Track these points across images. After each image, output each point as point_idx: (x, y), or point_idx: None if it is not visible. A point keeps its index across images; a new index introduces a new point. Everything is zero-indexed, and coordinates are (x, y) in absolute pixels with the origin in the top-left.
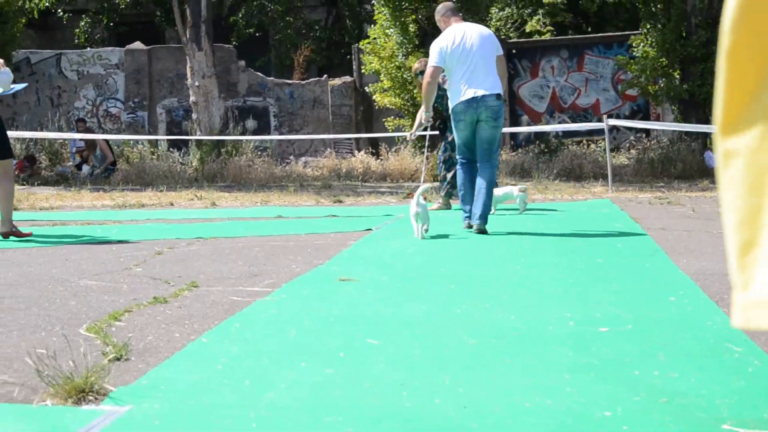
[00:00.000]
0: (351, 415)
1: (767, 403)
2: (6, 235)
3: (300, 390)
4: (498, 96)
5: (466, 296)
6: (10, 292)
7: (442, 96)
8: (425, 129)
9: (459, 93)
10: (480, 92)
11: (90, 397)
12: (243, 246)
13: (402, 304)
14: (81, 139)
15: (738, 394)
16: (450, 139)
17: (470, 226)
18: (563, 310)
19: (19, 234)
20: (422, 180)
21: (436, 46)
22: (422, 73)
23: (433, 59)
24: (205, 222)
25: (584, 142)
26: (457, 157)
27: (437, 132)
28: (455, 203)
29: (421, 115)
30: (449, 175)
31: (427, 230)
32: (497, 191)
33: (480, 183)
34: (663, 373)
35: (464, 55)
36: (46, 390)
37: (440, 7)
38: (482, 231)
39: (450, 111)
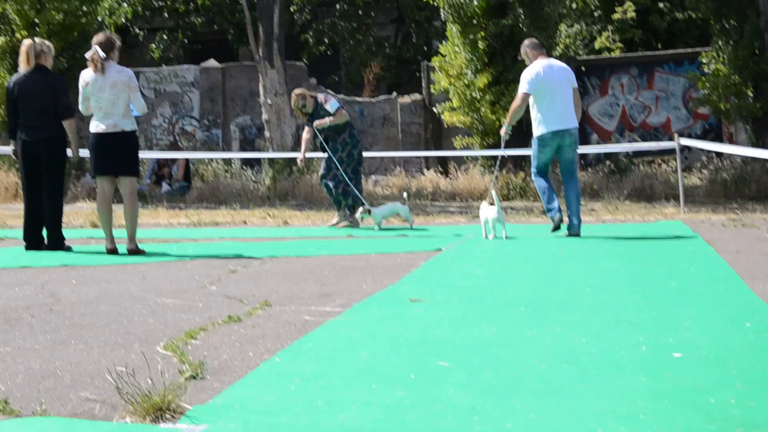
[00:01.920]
0: None
1: None
2: (131, 252)
3: (372, 412)
4: (576, 127)
5: (537, 319)
6: (92, 309)
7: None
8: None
9: (546, 123)
10: (564, 126)
11: (167, 415)
12: (314, 265)
13: (472, 326)
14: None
15: None
16: (337, 157)
17: (560, 220)
18: (636, 335)
19: (138, 251)
20: (491, 187)
21: (527, 76)
22: (304, 106)
23: (523, 87)
24: (278, 241)
25: (655, 161)
26: (535, 171)
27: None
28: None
29: (505, 130)
30: (347, 192)
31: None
32: (383, 208)
33: (571, 196)
34: (739, 401)
35: (550, 87)
36: (126, 407)
37: (527, 42)
38: (577, 234)
39: (537, 137)
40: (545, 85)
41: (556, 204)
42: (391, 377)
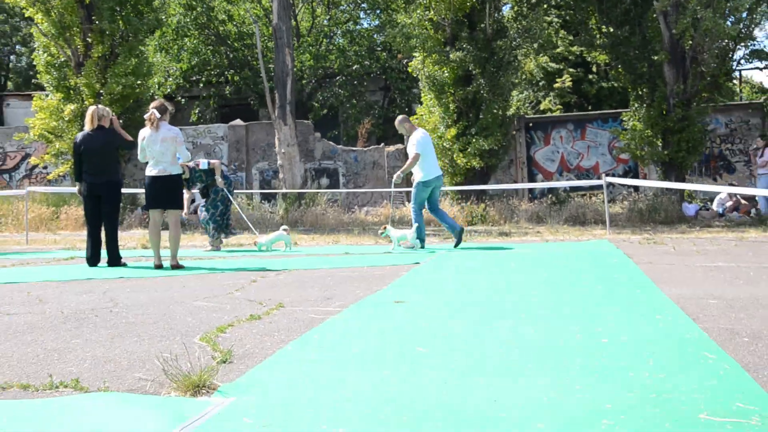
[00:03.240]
0: (404, 406)
1: (735, 397)
2: (174, 267)
3: (364, 387)
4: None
5: (495, 315)
6: (142, 311)
7: (205, 174)
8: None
9: (431, 171)
10: (440, 172)
11: (203, 391)
12: (318, 276)
13: (444, 321)
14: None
15: (712, 390)
16: (210, 201)
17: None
18: (572, 326)
19: (179, 266)
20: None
21: (415, 140)
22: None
23: (417, 148)
24: (290, 258)
25: (587, 195)
26: (415, 207)
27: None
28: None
29: (398, 175)
30: (211, 226)
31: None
32: (271, 236)
33: (442, 216)
34: (652, 375)
35: (429, 146)
36: (171, 385)
37: (403, 117)
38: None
39: (423, 181)
40: (427, 145)
41: (422, 236)
42: (379, 361)
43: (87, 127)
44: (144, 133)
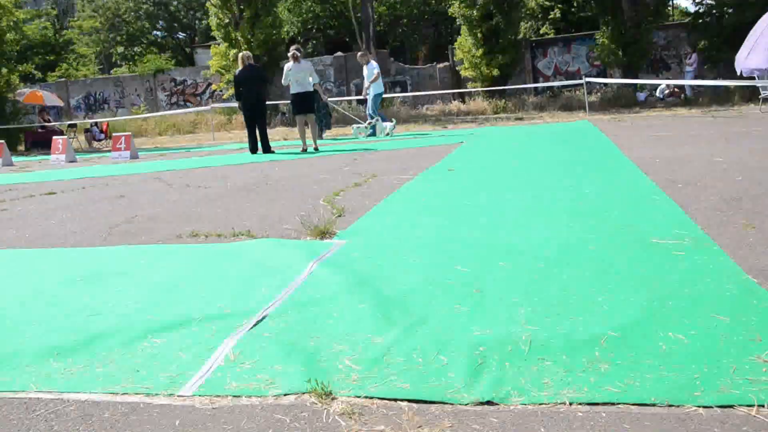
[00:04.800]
0: (457, 241)
1: (673, 226)
2: (315, 149)
3: (430, 229)
4: None
5: (513, 176)
6: (284, 183)
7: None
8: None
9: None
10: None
11: (327, 236)
12: (398, 154)
13: (479, 182)
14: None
15: (658, 222)
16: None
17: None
18: (564, 182)
19: (317, 149)
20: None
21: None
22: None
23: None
24: (378, 142)
25: (573, 90)
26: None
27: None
28: None
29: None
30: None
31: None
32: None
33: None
34: (621, 213)
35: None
36: (306, 232)
37: (360, 53)
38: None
39: (377, 93)
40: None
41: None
42: (440, 211)
43: (240, 66)
44: (289, 65)
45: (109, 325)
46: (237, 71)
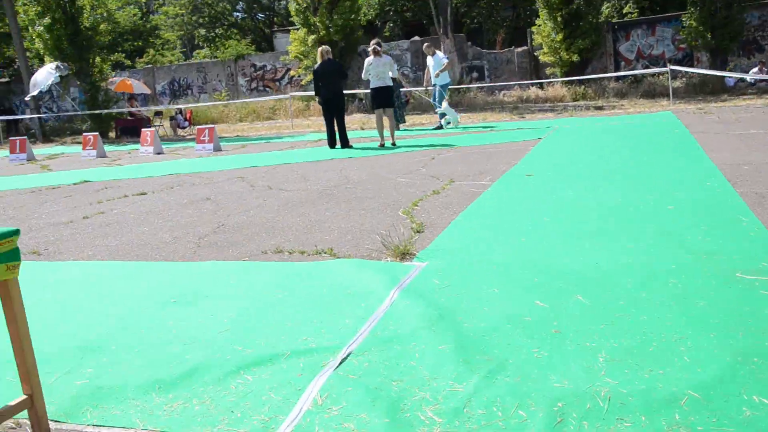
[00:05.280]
0: (537, 269)
1: (761, 257)
2: (392, 145)
3: (509, 253)
4: None
5: (593, 184)
6: (363, 187)
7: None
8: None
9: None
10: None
11: (407, 257)
12: (475, 152)
13: (560, 190)
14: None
15: (745, 251)
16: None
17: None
18: (648, 195)
19: (394, 144)
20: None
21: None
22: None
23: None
24: (456, 135)
25: (656, 75)
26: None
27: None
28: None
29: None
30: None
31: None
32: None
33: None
34: (703, 238)
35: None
36: (386, 252)
37: (426, 45)
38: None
39: (444, 83)
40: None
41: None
42: (518, 229)
43: (318, 60)
44: (369, 60)
45: (203, 356)
46: (316, 65)
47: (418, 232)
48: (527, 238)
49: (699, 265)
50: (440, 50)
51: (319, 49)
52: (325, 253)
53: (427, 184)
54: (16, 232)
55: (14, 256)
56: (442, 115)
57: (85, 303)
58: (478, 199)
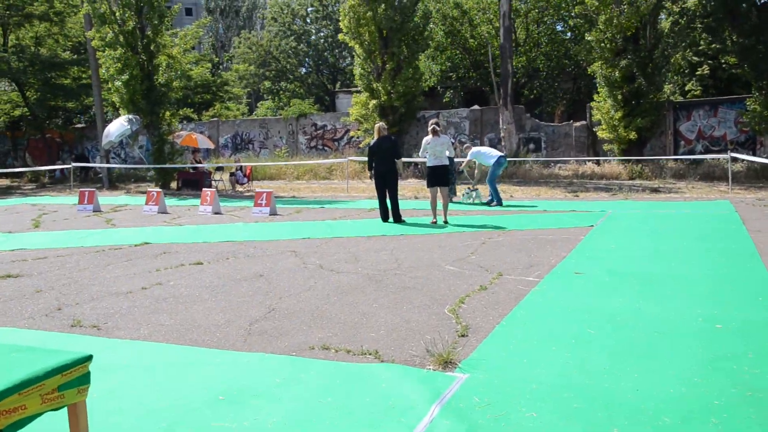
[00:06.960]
0: (577, 394)
1: None
2: (444, 223)
3: (552, 368)
4: None
5: (642, 292)
6: (413, 274)
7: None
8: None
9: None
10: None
11: (449, 366)
12: (525, 239)
13: (608, 296)
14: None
15: None
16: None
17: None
18: (696, 309)
19: (446, 222)
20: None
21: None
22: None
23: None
24: (507, 214)
25: (716, 159)
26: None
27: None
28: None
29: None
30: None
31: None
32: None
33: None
34: (750, 369)
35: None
36: (431, 360)
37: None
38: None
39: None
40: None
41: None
42: (563, 341)
43: (376, 136)
44: (428, 139)
45: None
46: (372, 141)
47: (462, 336)
48: (571, 353)
49: (743, 404)
50: (500, 119)
51: (377, 125)
52: (370, 354)
53: (475, 276)
54: (89, 358)
55: (85, 380)
56: (475, 189)
57: (134, 395)
58: (524, 300)
